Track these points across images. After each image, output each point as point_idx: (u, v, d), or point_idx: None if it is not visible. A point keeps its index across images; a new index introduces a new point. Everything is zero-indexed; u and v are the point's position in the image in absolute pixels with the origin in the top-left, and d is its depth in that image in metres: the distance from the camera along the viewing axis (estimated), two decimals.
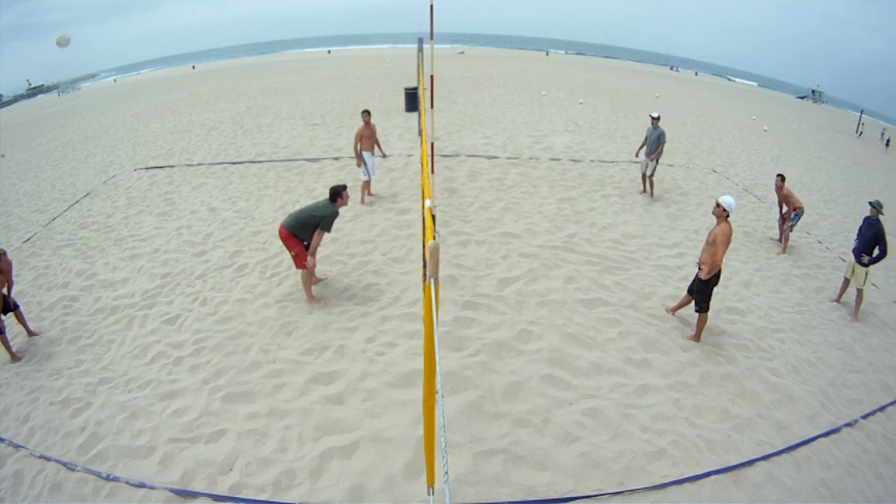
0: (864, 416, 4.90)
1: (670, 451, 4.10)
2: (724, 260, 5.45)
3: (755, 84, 72.40)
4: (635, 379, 4.87)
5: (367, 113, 8.58)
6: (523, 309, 5.81)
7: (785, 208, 8.53)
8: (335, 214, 5.65)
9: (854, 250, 6.83)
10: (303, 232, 5.65)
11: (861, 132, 31.37)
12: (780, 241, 8.66)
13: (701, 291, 5.42)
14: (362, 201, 8.80)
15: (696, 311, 5.53)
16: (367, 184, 8.88)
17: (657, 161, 9.55)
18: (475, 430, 4.13)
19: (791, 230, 8.51)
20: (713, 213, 5.25)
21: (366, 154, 8.56)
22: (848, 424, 4.77)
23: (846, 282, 7.00)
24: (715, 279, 5.36)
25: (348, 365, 4.92)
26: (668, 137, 10.34)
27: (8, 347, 5.54)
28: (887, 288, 7.78)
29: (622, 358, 5.14)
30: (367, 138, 8.54)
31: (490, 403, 4.41)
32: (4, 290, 5.70)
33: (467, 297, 5.93)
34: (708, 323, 5.88)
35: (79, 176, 12.53)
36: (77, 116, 25.14)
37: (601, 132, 15.10)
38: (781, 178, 8.52)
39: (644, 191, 9.99)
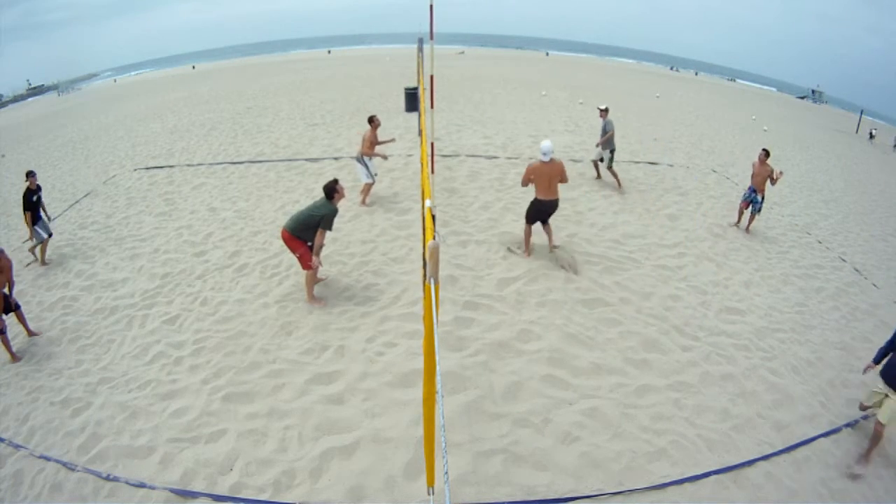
0: (864, 417, 4.90)
1: (670, 451, 4.10)
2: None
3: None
4: (635, 379, 4.88)
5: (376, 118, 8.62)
6: (523, 309, 5.81)
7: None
8: (334, 212, 5.65)
9: (883, 370, 4.50)
10: (304, 233, 5.65)
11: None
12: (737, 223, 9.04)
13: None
14: (363, 202, 8.80)
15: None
16: (369, 186, 8.87)
17: (607, 150, 9.75)
18: (475, 430, 4.14)
19: (759, 212, 8.79)
20: None
21: (367, 158, 8.57)
22: (848, 424, 4.77)
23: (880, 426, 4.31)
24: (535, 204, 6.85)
25: (348, 365, 4.92)
26: (668, 137, 10.36)
27: (8, 347, 5.55)
28: (888, 288, 7.77)
29: (622, 358, 5.14)
30: (373, 143, 8.57)
31: (490, 403, 4.42)
32: (6, 290, 5.71)
33: (467, 297, 5.93)
34: (707, 322, 5.88)
35: (79, 176, 12.53)
36: (77, 116, 25.13)
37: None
38: (766, 153, 8.58)
39: (598, 177, 10.45)
